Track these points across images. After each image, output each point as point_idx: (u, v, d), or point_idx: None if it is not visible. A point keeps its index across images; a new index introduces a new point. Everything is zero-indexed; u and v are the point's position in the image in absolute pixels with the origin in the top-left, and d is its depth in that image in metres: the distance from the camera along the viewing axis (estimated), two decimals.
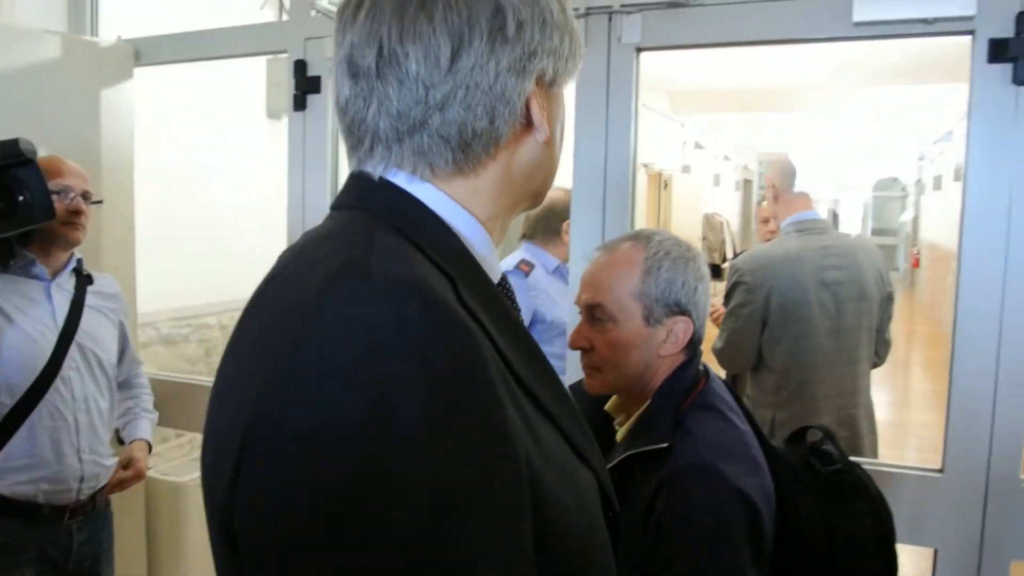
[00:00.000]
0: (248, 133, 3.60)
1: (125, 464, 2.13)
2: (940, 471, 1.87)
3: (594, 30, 2.05)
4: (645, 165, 8.66)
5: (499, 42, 0.72)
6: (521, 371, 0.69)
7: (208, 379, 2.97)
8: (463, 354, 0.60)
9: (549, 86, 0.77)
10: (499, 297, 0.75)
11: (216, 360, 3.38)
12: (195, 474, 3.10)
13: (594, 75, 2.07)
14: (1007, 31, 1.73)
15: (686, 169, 10.48)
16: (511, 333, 0.72)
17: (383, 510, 0.55)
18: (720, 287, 2.81)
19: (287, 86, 2.39)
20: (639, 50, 2.04)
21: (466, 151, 0.74)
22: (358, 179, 0.77)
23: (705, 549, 1.18)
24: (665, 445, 1.24)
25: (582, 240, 2.12)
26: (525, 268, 2.70)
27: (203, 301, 3.35)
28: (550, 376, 0.76)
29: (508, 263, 2.84)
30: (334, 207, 0.78)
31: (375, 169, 0.75)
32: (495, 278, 0.79)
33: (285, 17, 2.52)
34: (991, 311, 1.77)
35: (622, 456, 1.27)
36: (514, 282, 2.81)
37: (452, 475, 0.57)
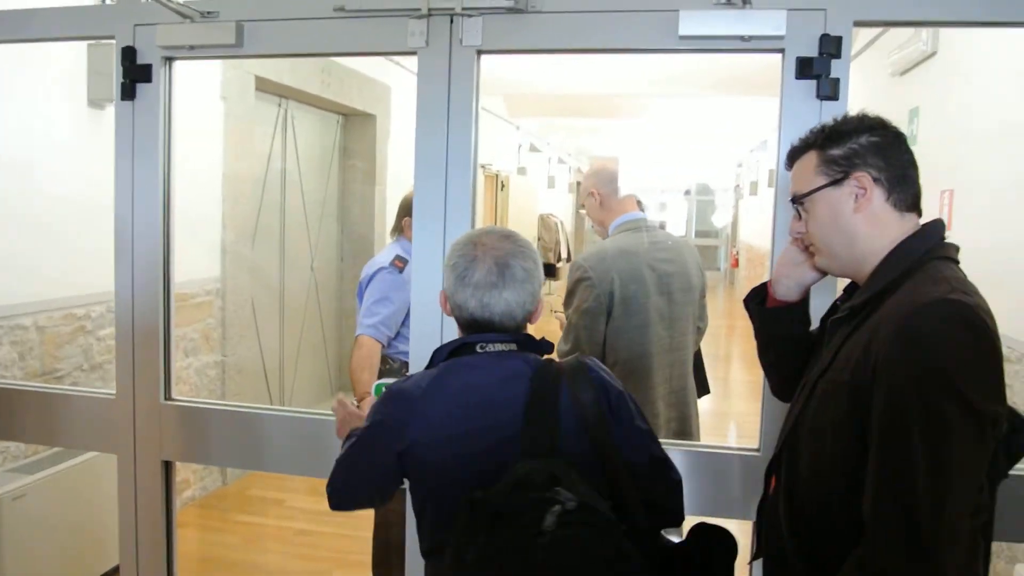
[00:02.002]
0: (67, 122, 3.38)
1: None
2: (757, 451, 2.03)
3: (436, 31, 2.08)
4: (483, 166, 8.78)
5: None
6: None
7: (24, 384, 2.76)
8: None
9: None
10: None
11: (32, 363, 3.17)
12: (11, 485, 2.89)
13: (435, 76, 2.10)
14: (812, 51, 1.91)
15: (522, 171, 10.70)
16: None
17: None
18: (556, 286, 2.91)
19: (114, 74, 2.28)
20: (480, 53, 2.09)
21: None
22: None
23: None
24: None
25: (425, 238, 2.15)
26: (400, 264, 2.92)
27: (16, 301, 3.11)
28: None
29: (383, 259, 2.91)
30: None
31: None
32: None
33: (110, 1, 2.39)
34: None
35: None
36: (388, 278, 2.92)
37: None
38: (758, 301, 1.66)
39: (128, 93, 2.27)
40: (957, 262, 1.38)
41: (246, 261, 4.72)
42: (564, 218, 13.59)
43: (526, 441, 1.45)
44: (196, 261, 4.23)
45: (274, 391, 5.27)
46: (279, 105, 5.18)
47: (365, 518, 2.89)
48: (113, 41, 2.28)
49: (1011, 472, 1.33)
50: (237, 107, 4.45)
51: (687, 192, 18.03)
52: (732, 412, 6.84)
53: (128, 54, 2.25)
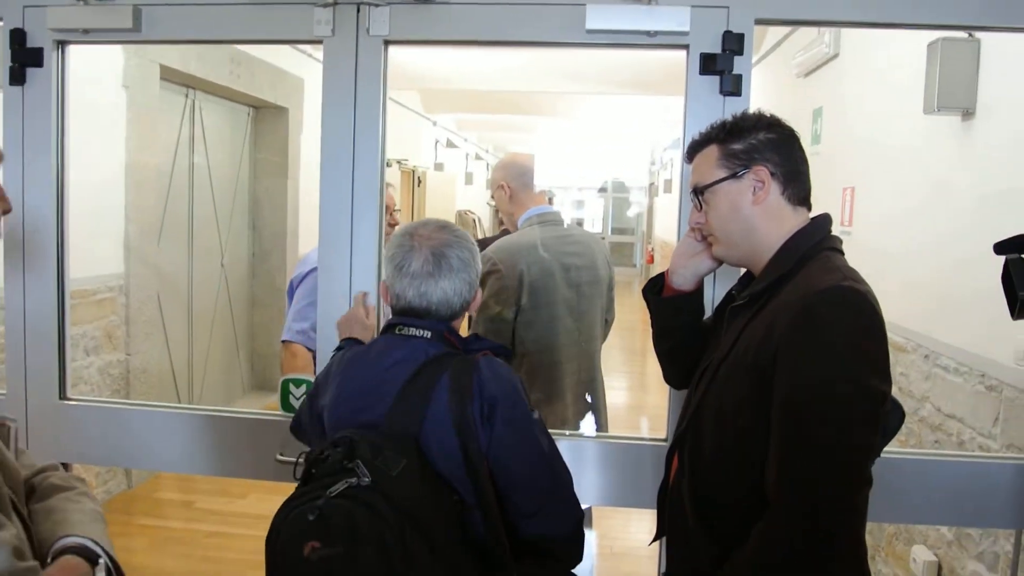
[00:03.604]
0: None
1: None
2: (665, 440, 2.07)
3: (342, 20, 2.05)
4: (399, 161, 8.71)
5: None
6: None
7: None
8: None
9: None
10: None
11: None
12: None
13: (342, 66, 2.07)
14: (716, 47, 1.95)
15: (439, 167, 10.67)
16: None
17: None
18: None
19: (2, 58, 2.17)
20: (387, 43, 2.07)
21: None
22: None
23: None
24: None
25: (331, 235, 2.12)
26: None
27: None
28: None
29: (316, 257, 2.79)
30: None
31: None
32: None
33: None
34: None
35: None
36: None
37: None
38: (655, 291, 1.71)
39: (17, 78, 2.16)
40: (843, 252, 1.46)
41: (152, 256, 4.57)
42: (482, 214, 13.60)
43: (389, 422, 1.52)
44: (98, 256, 4.07)
45: (183, 391, 5.12)
46: (186, 95, 5.03)
47: None
48: (1, 23, 2.17)
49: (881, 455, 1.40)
50: (140, 96, 4.30)
51: (603, 189, 18.26)
52: (646, 405, 6.96)
53: (17, 36, 2.15)
